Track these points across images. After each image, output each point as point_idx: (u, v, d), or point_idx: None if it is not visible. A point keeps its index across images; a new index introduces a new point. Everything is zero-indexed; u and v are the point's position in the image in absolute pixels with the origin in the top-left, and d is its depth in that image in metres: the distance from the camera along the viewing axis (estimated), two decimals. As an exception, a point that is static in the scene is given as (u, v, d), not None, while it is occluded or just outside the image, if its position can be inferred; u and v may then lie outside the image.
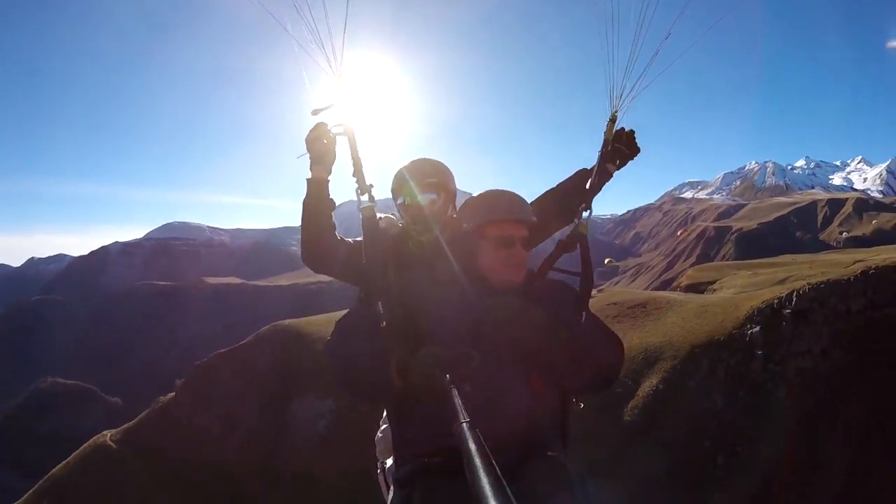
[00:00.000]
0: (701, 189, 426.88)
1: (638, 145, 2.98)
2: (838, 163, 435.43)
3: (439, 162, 3.06)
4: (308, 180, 2.70)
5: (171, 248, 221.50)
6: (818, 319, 15.22)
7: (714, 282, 27.21)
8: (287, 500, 20.92)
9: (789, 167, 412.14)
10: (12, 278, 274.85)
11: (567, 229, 2.91)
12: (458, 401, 1.67)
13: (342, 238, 2.83)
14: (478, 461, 1.21)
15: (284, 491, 21.47)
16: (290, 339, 26.63)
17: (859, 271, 15.65)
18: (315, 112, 2.68)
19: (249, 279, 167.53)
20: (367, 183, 2.70)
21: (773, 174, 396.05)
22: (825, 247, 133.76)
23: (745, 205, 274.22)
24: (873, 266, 15.76)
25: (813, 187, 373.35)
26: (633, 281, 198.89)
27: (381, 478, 2.77)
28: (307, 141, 2.66)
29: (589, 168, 2.98)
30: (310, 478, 20.41)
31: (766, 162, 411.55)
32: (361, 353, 2.22)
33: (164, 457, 25.81)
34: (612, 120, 2.90)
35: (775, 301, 16.03)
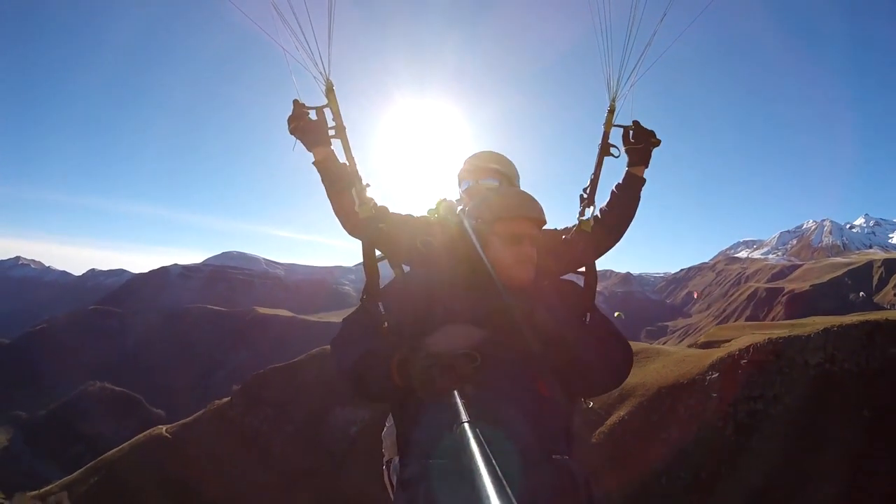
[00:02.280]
0: (756, 248, 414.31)
1: (648, 129, 2.90)
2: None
3: (503, 155, 3.07)
4: (314, 163, 2.70)
5: (227, 275, 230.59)
6: (772, 369, 17.52)
7: (730, 340, 28.90)
8: (321, 485, 24.14)
9: (847, 226, 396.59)
10: (73, 286, 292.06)
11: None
12: (458, 401, 1.68)
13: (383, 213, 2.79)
14: (479, 463, 1.21)
15: (319, 478, 24.54)
16: (337, 360, 29.70)
17: (821, 329, 17.85)
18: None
19: (300, 313, 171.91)
20: (364, 183, 2.73)
21: (831, 233, 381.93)
22: (878, 309, 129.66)
23: (800, 265, 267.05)
24: (836, 325, 17.93)
25: (871, 246, 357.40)
26: (680, 341, 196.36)
27: (386, 475, 2.78)
28: (291, 132, 2.67)
29: (618, 184, 2.94)
30: (341, 468, 23.61)
31: (823, 220, 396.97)
32: (364, 353, 2.21)
33: (215, 447, 29.30)
34: (611, 110, 2.90)
35: (736, 352, 18.42)
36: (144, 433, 33.58)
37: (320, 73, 2.60)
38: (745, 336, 29.37)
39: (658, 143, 2.88)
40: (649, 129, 2.88)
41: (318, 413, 27.57)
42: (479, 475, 1.15)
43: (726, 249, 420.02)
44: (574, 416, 2.30)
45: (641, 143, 2.86)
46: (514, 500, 1.05)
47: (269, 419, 29.50)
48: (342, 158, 2.73)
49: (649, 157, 2.90)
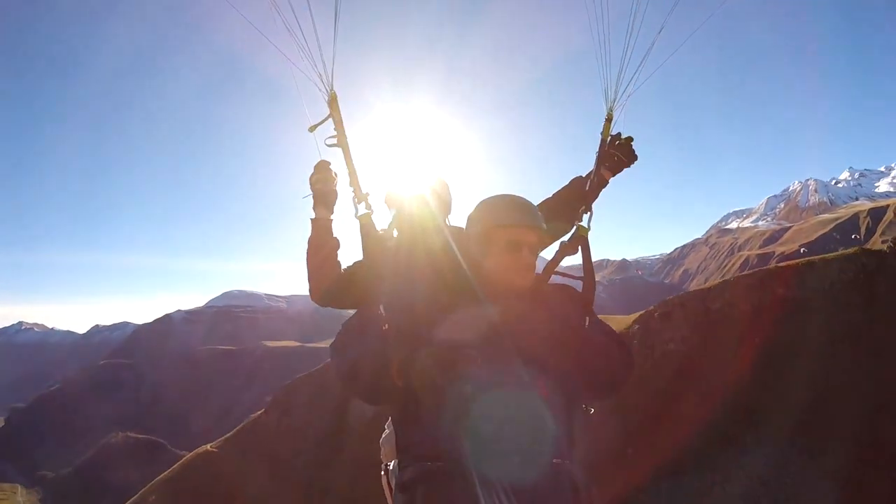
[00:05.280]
0: (746, 217, 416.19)
1: (636, 153, 2.96)
2: (883, 168, 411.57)
3: (437, 177, 3.10)
4: (312, 220, 2.77)
5: (231, 315, 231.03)
6: (679, 316, 22.59)
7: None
8: (350, 467, 29.11)
9: (833, 181, 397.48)
10: (79, 344, 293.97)
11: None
12: (458, 403, 1.70)
13: (346, 271, 2.83)
14: (479, 466, 1.22)
15: (346, 467, 29.51)
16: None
17: (720, 281, 22.99)
18: (311, 128, 2.74)
19: (307, 342, 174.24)
20: (363, 192, 2.74)
21: (816, 191, 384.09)
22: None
23: (789, 227, 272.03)
24: (732, 277, 23.02)
25: (857, 199, 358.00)
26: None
27: (384, 479, 2.75)
28: (311, 182, 2.75)
29: (584, 175, 2.98)
30: (363, 455, 28.52)
31: (807, 180, 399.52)
32: (364, 354, 2.23)
33: (256, 452, 34.30)
34: (609, 119, 2.91)
35: (651, 307, 23.61)
36: (192, 452, 38.43)
37: (324, 84, 2.67)
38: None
39: (635, 159, 3.00)
40: (636, 154, 2.97)
41: (341, 408, 32.28)
42: (479, 478, 1.19)
43: (718, 222, 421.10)
44: (575, 422, 2.24)
45: (625, 157, 2.96)
46: None
47: (301, 419, 34.15)
48: (343, 165, 2.77)
49: (622, 169, 3.01)
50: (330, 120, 2.76)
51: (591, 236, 2.80)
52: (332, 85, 2.69)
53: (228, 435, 37.91)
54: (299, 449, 32.40)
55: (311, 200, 2.80)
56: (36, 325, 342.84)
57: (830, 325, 20.76)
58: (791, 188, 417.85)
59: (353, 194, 2.74)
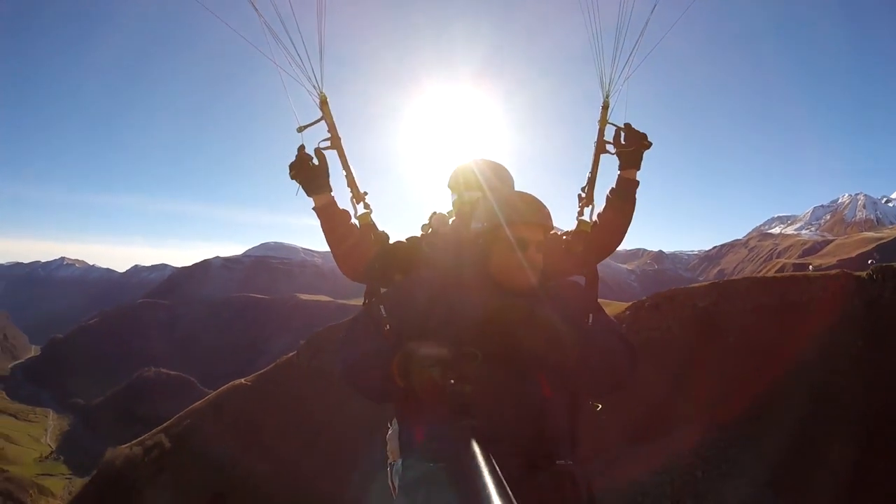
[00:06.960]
0: (790, 224, 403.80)
1: (640, 132, 2.85)
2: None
3: (495, 163, 2.99)
4: (314, 209, 2.74)
5: (267, 265, 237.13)
6: (667, 309, 25.28)
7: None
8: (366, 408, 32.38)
9: (883, 199, 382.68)
10: (117, 283, 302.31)
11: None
12: (459, 403, 1.68)
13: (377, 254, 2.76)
14: (480, 467, 1.18)
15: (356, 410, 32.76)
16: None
17: (709, 283, 25.50)
18: (301, 129, 2.69)
19: (338, 298, 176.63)
20: (362, 191, 2.77)
21: (864, 207, 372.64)
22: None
23: (832, 240, 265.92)
24: (722, 281, 25.49)
25: None
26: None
27: (389, 477, 2.71)
28: (292, 178, 2.67)
29: (612, 189, 2.91)
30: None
31: (857, 194, 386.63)
32: (365, 353, 2.25)
33: (284, 389, 38.22)
34: (605, 107, 2.89)
35: (644, 298, 26.27)
36: (227, 384, 42.19)
37: (314, 87, 2.66)
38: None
39: (649, 145, 2.86)
40: (641, 131, 2.85)
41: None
42: (480, 479, 1.15)
43: (760, 225, 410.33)
44: (579, 420, 2.26)
45: (633, 146, 2.85)
46: None
47: (330, 362, 37.10)
48: (339, 167, 2.76)
49: (640, 159, 2.89)
50: (323, 123, 2.78)
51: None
52: (321, 88, 2.69)
53: (260, 372, 41.49)
54: (324, 389, 35.76)
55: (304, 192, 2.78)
56: (77, 261, 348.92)
57: (801, 337, 22.82)
58: (840, 200, 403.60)
59: (350, 195, 2.78)
